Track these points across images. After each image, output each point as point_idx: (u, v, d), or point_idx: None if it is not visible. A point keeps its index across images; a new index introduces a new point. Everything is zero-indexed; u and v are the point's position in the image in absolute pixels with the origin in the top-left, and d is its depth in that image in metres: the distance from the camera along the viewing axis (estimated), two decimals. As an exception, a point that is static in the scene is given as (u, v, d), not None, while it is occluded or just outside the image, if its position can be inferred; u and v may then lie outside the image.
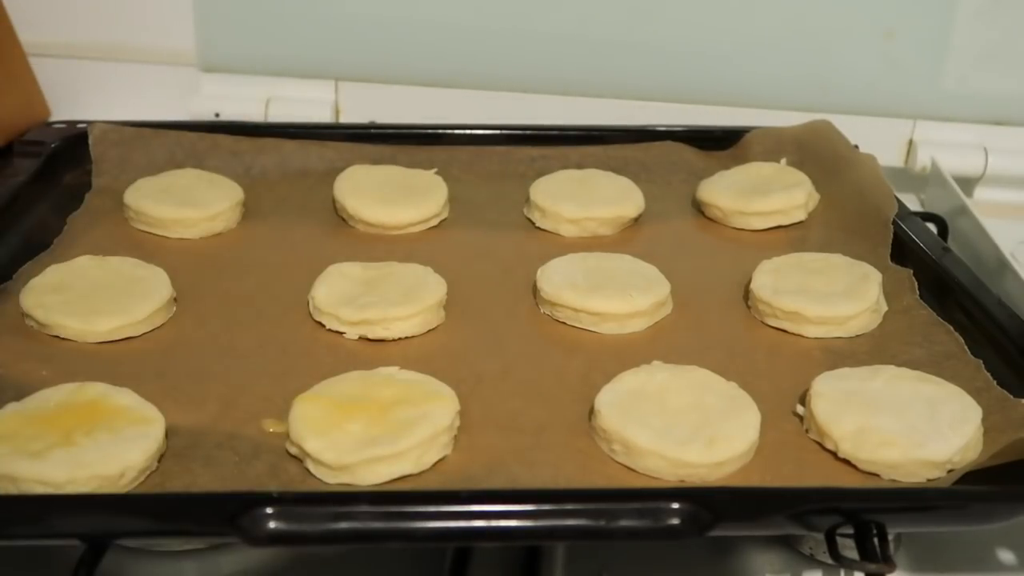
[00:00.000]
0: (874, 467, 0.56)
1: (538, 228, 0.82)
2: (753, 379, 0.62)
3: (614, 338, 0.68)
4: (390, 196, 0.82)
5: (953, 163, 0.99)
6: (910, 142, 1.04)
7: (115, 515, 0.48)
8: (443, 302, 0.69)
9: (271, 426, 0.58)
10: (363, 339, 0.67)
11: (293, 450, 0.55)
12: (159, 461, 0.55)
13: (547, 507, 0.48)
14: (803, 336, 0.68)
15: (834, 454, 0.57)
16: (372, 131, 0.93)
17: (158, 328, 0.67)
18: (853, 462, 0.56)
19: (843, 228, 0.81)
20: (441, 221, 0.83)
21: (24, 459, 0.51)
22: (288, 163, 0.88)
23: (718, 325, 0.70)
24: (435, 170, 0.86)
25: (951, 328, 0.67)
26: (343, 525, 0.47)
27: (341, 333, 0.67)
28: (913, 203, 0.99)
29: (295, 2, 1.05)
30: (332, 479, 0.53)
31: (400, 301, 0.67)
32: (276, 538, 0.47)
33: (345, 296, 0.68)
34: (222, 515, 0.47)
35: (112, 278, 0.70)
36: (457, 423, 0.57)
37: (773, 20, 1.02)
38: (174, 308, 0.69)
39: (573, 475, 0.55)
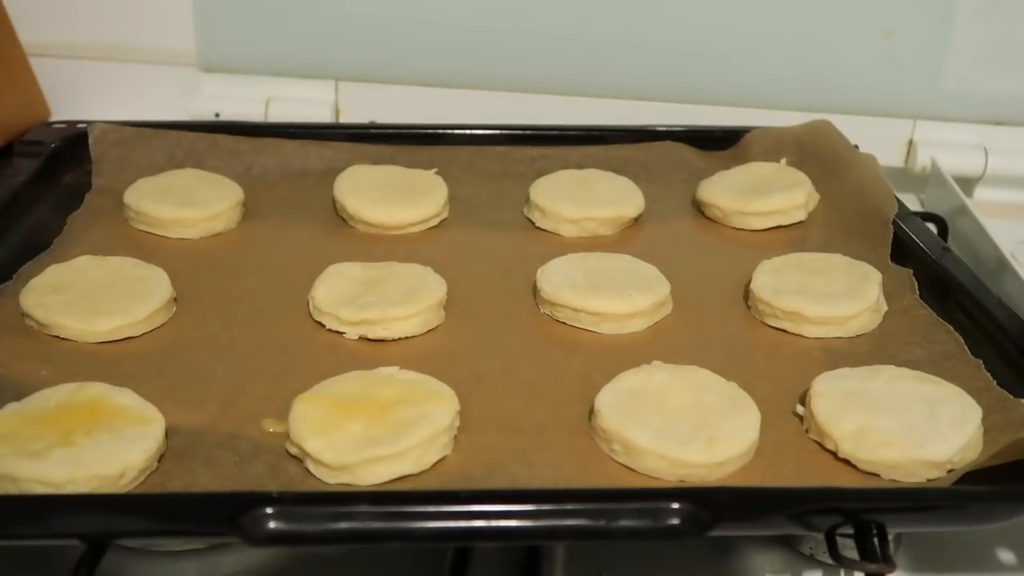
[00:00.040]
0: (874, 467, 0.56)
1: (538, 228, 0.82)
2: (753, 379, 0.62)
3: (614, 338, 0.68)
4: (390, 196, 0.82)
5: (953, 163, 0.99)
6: (910, 142, 1.04)
7: (115, 515, 0.48)
8: (443, 302, 0.69)
9: (271, 426, 0.58)
10: (363, 339, 0.67)
11: (293, 450, 0.55)
12: (159, 461, 0.55)
13: (547, 507, 0.48)
14: (803, 336, 0.68)
15: (834, 454, 0.57)
16: (372, 131, 0.93)
17: (158, 328, 0.67)
18: (853, 462, 0.56)
19: (843, 228, 0.81)
20: (441, 221, 0.83)
21: (24, 459, 0.51)
22: (288, 163, 0.88)
23: (718, 325, 0.70)
24: (435, 170, 0.86)
25: (951, 328, 0.67)
26: (343, 525, 0.47)
27: (341, 333, 0.67)
28: (913, 203, 0.99)
29: (295, 2, 1.05)
30: (332, 479, 0.53)
31: (400, 301, 0.67)
32: (276, 538, 0.47)
33: (345, 296, 0.68)
34: (222, 515, 0.47)
35: (112, 278, 0.70)
36: (457, 423, 0.57)
37: (773, 20, 1.02)
38: (174, 308, 0.69)
39: (573, 475, 0.55)
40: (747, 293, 0.72)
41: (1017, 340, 0.64)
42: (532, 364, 0.65)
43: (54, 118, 1.05)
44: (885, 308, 0.70)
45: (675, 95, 1.04)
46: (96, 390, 0.57)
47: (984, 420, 0.57)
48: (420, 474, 0.54)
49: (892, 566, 0.49)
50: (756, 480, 0.55)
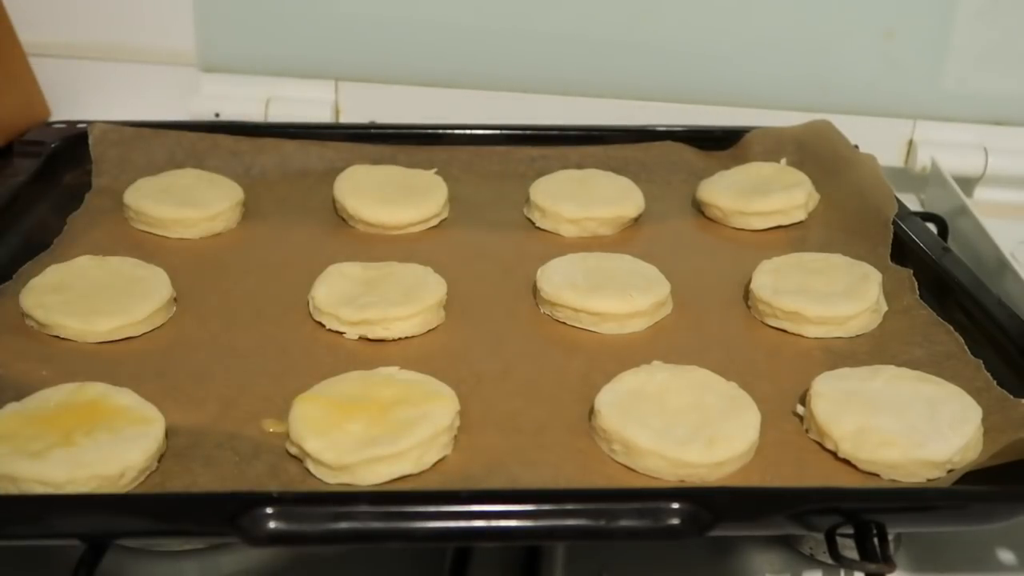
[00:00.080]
0: (874, 467, 0.56)
1: (538, 228, 0.82)
2: (753, 379, 0.62)
3: (614, 338, 0.68)
4: (390, 196, 0.82)
5: (953, 163, 0.99)
6: (910, 142, 1.04)
7: (115, 515, 0.48)
8: (443, 302, 0.69)
9: (271, 426, 0.58)
10: (363, 339, 0.67)
11: (293, 450, 0.55)
12: (159, 461, 0.55)
13: (547, 507, 0.48)
14: (803, 336, 0.68)
15: (834, 454, 0.57)
16: (372, 131, 0.93)
17: (158, 328, 0.67)
18: (853, 462, 0.56)
19: (843, 228, 0.81)
20: (441, 221, 0.83)
21: (24, 459, 0.51)
22: (288, 163, 0.88)
23: (718, 325, 0.70)
24: (435, 170, 0.86)
25: (951, 328, 0.67)
26: (343, 525, 0.47)
27: (341, 333, 0.67)
28: (913, 203, 0.99)
29: (295, 2, 1.05)
30: (332, 479, 0.53)
31: (400, 301, 0.67)
32: (276, 538, 0.47)
33: (345, 296, 0.68)
34: (222, 515, 0.47)
35: (112, 278, 0.70)
36: (457, 423, 0.57)
37: (773, 20, 1.02)
38: (174, 308, 0.69)
39: (573, 475, 0.55)
40: (747, 293, 0.72)
41: (1017, 340, 0.64)
42: (532, 364, 0.65)
43: (54, 118, 1.05)
44: (885, 308, 0.70)
45: (675, 95, 1.04)
46: (96, 390, 0.57)
47: (984, 420, 0.57)
48: (420, 474, 0.54)
49: (892, 566, 0.49)
50: (756, 480, 0.55)
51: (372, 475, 0.53)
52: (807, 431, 0.59)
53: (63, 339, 0.65)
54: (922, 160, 1.01)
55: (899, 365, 0.62)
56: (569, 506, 0.48)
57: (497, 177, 0.89)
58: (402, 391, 0.58)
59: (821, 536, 0.51)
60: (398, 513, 0.47)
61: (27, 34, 1.04)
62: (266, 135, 0.89)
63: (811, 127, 0.91)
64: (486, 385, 0.62)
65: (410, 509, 0.48)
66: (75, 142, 0.86)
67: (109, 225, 0.79)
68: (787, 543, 0.60)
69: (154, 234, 0.79)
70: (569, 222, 0.81)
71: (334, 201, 0.83)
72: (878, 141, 0.93)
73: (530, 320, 0.70)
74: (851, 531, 0.50)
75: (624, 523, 0.47)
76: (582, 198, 0.82)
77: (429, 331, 0.68)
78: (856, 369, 0.62)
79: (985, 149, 1.01)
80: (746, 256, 0.76)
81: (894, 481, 0.55)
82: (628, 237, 0.82)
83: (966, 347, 0.65)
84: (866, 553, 0.49)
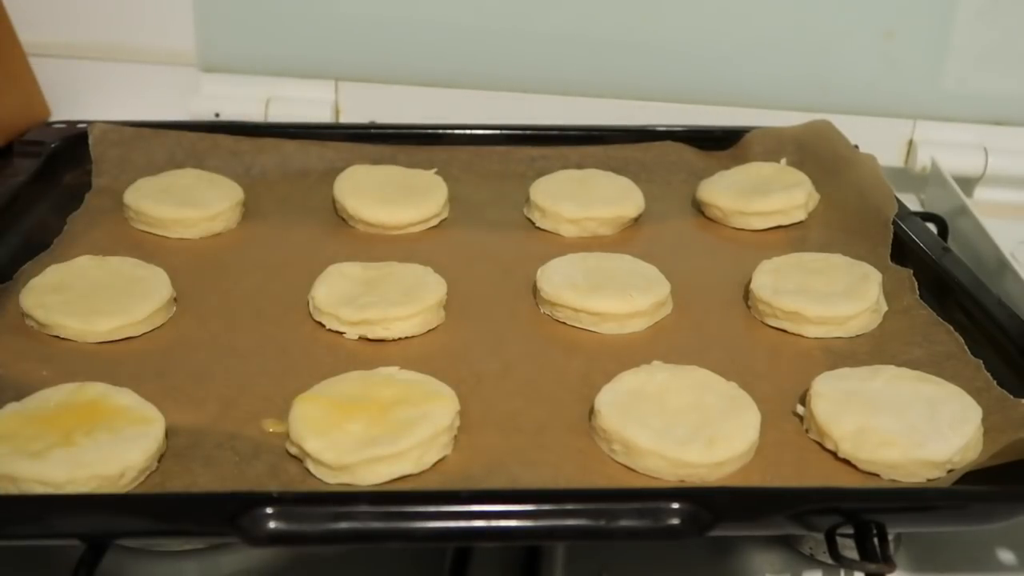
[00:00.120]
0: (874, 467, 0.56)
1: (538, 228, 0.82)
2: (753, 379, 0.62)
3: (614, 338, 0.68)
4: (390, 196, 0.82)
5: (953, 163, 0.99)
6: (910, 142, 1.04)
7: (115, 515, 0.48)
8: (443, 302, 0.69)
9: (271, 426, 0.58)
10: (363, 339, 0.67)
11: (293, 450, 0.55)
12: (159, 461, 0.55)
13: (547, 507, 0.48)
14: (803, 336, 0.68)
15: (834, 454, 0.57)
16: (372, 131, 0.93)
17: (158, 328, 0.67)
18: (853, 462, 0.56)
19: (843, 228, 0.81)
20: (441, 221, 0.83)
21: (24, 459, 0.51)
22: (288, 163, 0.88)
23: (718, 325, 0.70)
24: (435, 170, 0.86)
25: (951, 328, 0.67)
26: (343, 525, 0.47)
27: (341, 333, 0.67)
28: (913, 203, 0.99)
29: (295, 2, 1.05)
30: (332, 479, 0.53)
31: (400, 301, 0.67)
32: (276, 538, 0.47)
33: (345, 296, 0.68)
34: (222, 515, 0.47)
35: (112, 278, 0.70)
36: (457, 423, 0.57)
37: (773, 20, 1.02)
38: (174, 308, 0.69)
39: (573, 475, 0.55)
40: (747, 293, 0.72)
41: (1017, 340, 0.64)
42: (532, 364, 0.65)
43: (54, 118, 1.05)
44: (885, 308, 0.70)
45: (675, 95, 1.04)
46: (96, 390, 0.57)
47: (984, 420, 0.57)
48: (420, 474, 0.54)
49: (892, 566, 0.49)
50: (756, 480, 0.55)
51: (372, 475, 0.53)
52: (807, 431, 0.59)
53: (63, 339, 0.65)
54: (922, 160, 1.01)
55: (899, 365, 0.62)
56: (569, 506, 0.48)
57: (497, 177, 0.89)
58: (402, 391, 0.58)
59: (821, 536, 0.51)
60: (398, 513, 0.47)
61: (27, 34, 1.04)
62: (266, 135, 0.89)
63: (811, 127, 0.91)
64: (486, 385, 0.62)
65: (410, 509, 0.48)
66: (75, 142, 0.86)
67: (109, 225, 0.79)
68: (787, 543, 0.60)
69: (154, 234, 0.79)
70: (569, 222, 0.81)
71: (334, 201, 0.83)
72: (878, 141, 0.93)
73: (530, 320, 0.70)
74: (851, 531, 0.50)
75: (624, 523, 0.47)
76: (582, 198, 0.82)
77: (429, 331, 0.68)
78: (856, 369, 0.62)
79: (985, 149, 1.01)
80: (746, 256, 0.76)
81: (894, 481, 0.55)
82: (628, 237, 0.82)
83: (966, 347, 0.65)
84: (866, 553, 0.49)
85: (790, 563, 0.59)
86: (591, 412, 0.59)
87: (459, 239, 0.81)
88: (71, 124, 0.95)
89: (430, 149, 0.90)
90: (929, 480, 0.55)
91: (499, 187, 0.88)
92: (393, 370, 0.60)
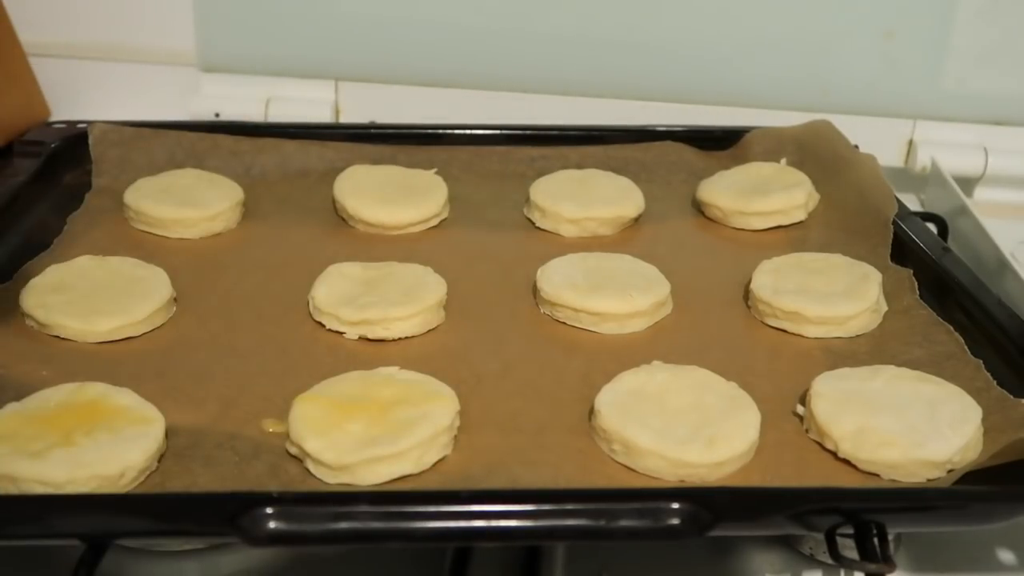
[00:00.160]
0: (874, 467, 0.56)
1: (538, 228, 0.82)
2: (753, 379, 0.62)
3: (614, 338, 0.68)
4: (390, 196, 0.82)
5: (953, 163, 0.99)
6: (910, 142, 1.04)
7: (115, 515, 0.48)
8: (443, 302, 0.69)
9: (271, 426, 0.58)
10: (363, 339, 0.67)
11: (293, 450, 0.55)
12: (159, 461, 0.55)
13: (547, 507, 0.48)
14: (803, 336, 0.68)
15: (834, 454, 0.57)
16: (372, 131, 0.93)
17: (158, 328, 0.67)
18: (853, 462, 0.56)
19: (843, 228, 0.81)
20: (441, 221, 0.83)
21: (24, 459, 0.51)
22: (288, 163, 0.88)
23: (718, 325, 0.70)
24: (435, 170, 0.86)
25: (951, 328, 0.67)
26: (343, 525, 0.47)
27: (341, 333, 0.67)
28: (913, 203, 0.99)
29: (295, 2, 1.05)
30: (332, 479, 0.53)
31: (400, 301, 0.67)
32: (276, 538, 0.47)
33: (345, 296, 0.68)
34: (222, 515, 0.47)
35: (112, 278, 0.70)
36: (457, 423, 0.57)
37: (773, 21, 1.02)
38: (174, 308, 0.69)
39: (573, 475, 0.55)
40: (747, 293, 0.72)
41: (1017, 340, 0.64)
42: (532, 364, 0.65)
43: (54, 118, 1.05)
44: (885, 308, 0.70)
45: (675, 95, 1.04)
46: (96, 390, 0.57)
47: (984, 420, 0.57)
48: (420, 474, 0.54)
49: (892, 566, 0.49)
50: (756, 480, 0.55)
51: (372, 475, 0.53)
52: (807, 431, 0.59)
53: (63, 339, 0.65)
54: (922, 160, 1.01)
55: (899, 365, 0.62)
56: (569, 506, 0.48)
57: (497, 177, 0.89)
58: (402, 391, 0.58)
59: (821, 536, 0.51)
60: (398, 513, 0.47)
61: (27, 34, 1.04)
62: (266, 135, 0.89)
63: (811, 127, 0.91)
64: (486, 385, 0.62)
65: (410, 509, 0.48)
66: (75, 142, 0.86)
67: (109, 225, 0.79)
68: (787, 543, 0.60)
69: (154, 234, 0.79)
70: (569, 222, 0.81)
71: (334, 201, 0.83)
72: (878, 141, 0.93)
73: (530, 320, 0.70)
74: (851, 531, 0.50)
75: (624, 523, 0.47)
76: (582, 198, 0.82)
77: (429, 331, 0.68)
78: (856, 369, 0.62)
79: (985, 149, 1.01)
80: (746, 256, 0.76)
81: (894, 481, 0.55)
82: (628, 237, 0.82)
83: (966, 347, 0.65)
84: (866, 553, 0.49)
85: (790, 563, 0.59)
86: (591, 412, 0.59)
87: (459, 239, 0.81)
88: (71, 124, 0.95)
89: (430, 149, 0.90)
90: (929, 480, 0.55)
91: (499, 187, 0.88)
92: (393, 370, 0.60)
